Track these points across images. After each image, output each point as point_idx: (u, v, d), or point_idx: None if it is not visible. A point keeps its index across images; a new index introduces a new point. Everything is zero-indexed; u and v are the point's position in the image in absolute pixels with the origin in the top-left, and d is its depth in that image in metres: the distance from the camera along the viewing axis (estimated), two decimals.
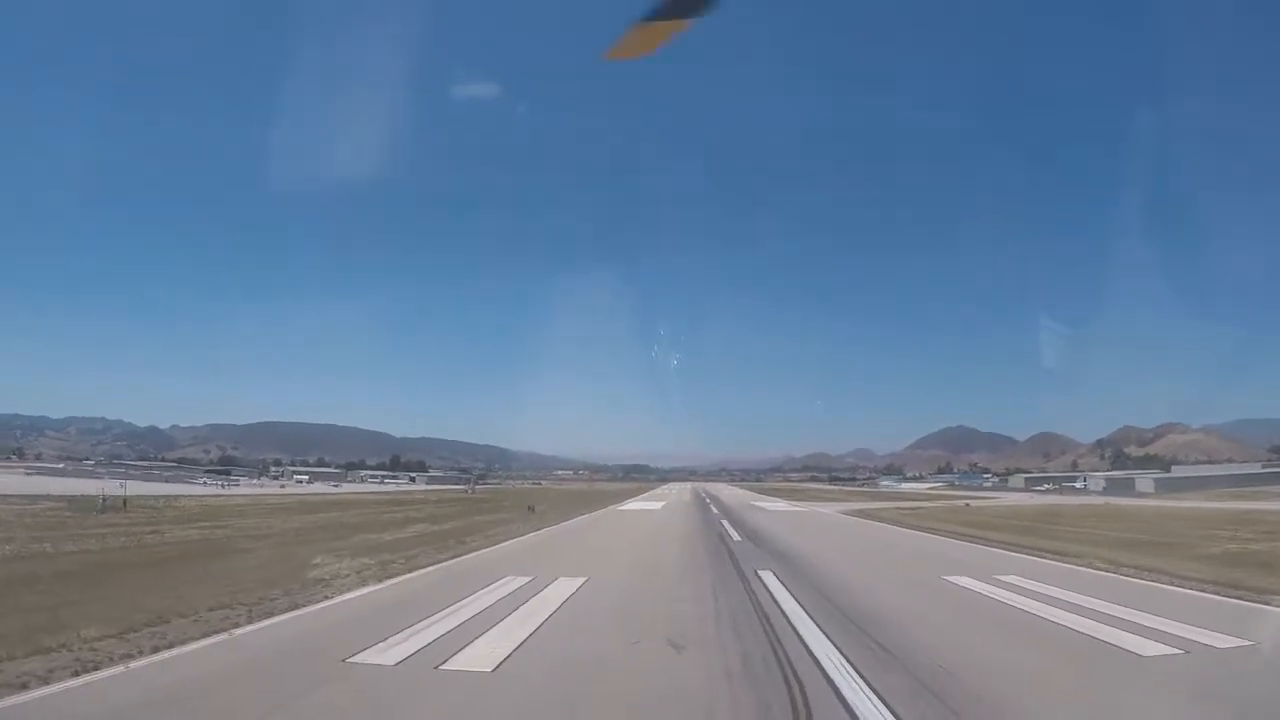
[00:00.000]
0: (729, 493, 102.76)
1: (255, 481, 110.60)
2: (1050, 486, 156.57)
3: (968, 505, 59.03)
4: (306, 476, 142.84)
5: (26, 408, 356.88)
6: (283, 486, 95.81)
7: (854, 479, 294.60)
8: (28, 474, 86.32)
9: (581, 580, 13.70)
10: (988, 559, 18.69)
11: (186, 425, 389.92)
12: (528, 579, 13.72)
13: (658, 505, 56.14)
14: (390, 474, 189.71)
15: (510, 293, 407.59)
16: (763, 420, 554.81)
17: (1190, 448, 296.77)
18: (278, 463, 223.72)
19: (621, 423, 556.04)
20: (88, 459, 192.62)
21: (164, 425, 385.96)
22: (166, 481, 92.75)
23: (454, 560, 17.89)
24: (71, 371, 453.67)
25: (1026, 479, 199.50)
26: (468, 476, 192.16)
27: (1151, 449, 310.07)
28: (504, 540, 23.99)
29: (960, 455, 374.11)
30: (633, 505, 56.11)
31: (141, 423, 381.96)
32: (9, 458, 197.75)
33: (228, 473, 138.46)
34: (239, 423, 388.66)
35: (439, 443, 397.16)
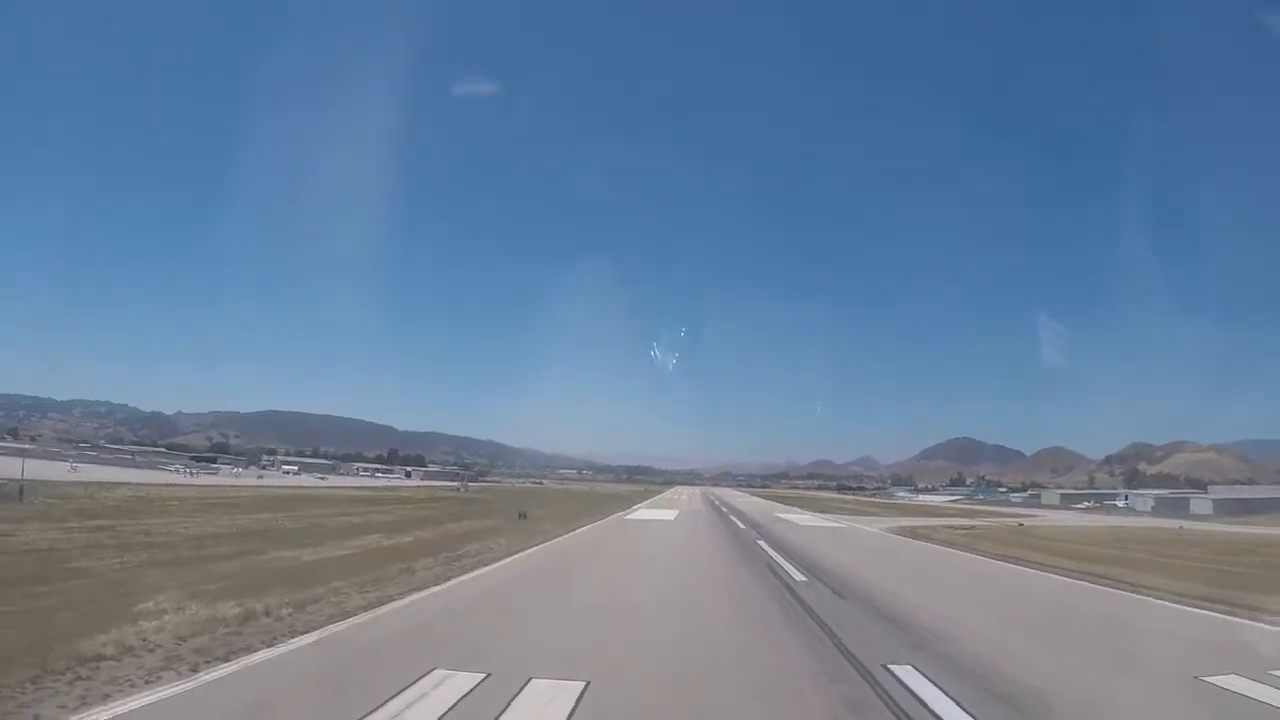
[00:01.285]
0: (743, 501, 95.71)
1: (237, 471, 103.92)
2: (1091, 504, 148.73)
3: (1021, 526, 52.64)
4: (295, 468, 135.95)
5: (31, 389, 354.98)
6: (260, 477, 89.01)
7: (862, 488, 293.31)
8: None
9: (573, 693, 6.72)
10: (1206, 629, 12.10)
11: (191, 412, 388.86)
12: (472, 684, 6.87)
13: (670, 514, 49.00)
14: (386, 467, 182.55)
15: (517, 291, 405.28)
16: (766, 426, 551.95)
17: (1202, 466, 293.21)
18: (272, 452, 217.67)
19: (625, 424, 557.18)
20: (84, 441, 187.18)
21: (169, 411, 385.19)
22: (136, 468, 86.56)
23: (368, 616, 10.73)
24: (79, 355, 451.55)
25: (1062, 495, 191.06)
26: (465, 473, 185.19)
27: (1162, 467, 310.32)
28: (471, 569, 16.93)
29: (966, 467, 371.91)
30: (642, 514, 48.95)
31: (146, 408, 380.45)
32: (2, 437, 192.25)
33: (214, 460, 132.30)
34: (244, 411, 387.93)
35: (443, 437, 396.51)
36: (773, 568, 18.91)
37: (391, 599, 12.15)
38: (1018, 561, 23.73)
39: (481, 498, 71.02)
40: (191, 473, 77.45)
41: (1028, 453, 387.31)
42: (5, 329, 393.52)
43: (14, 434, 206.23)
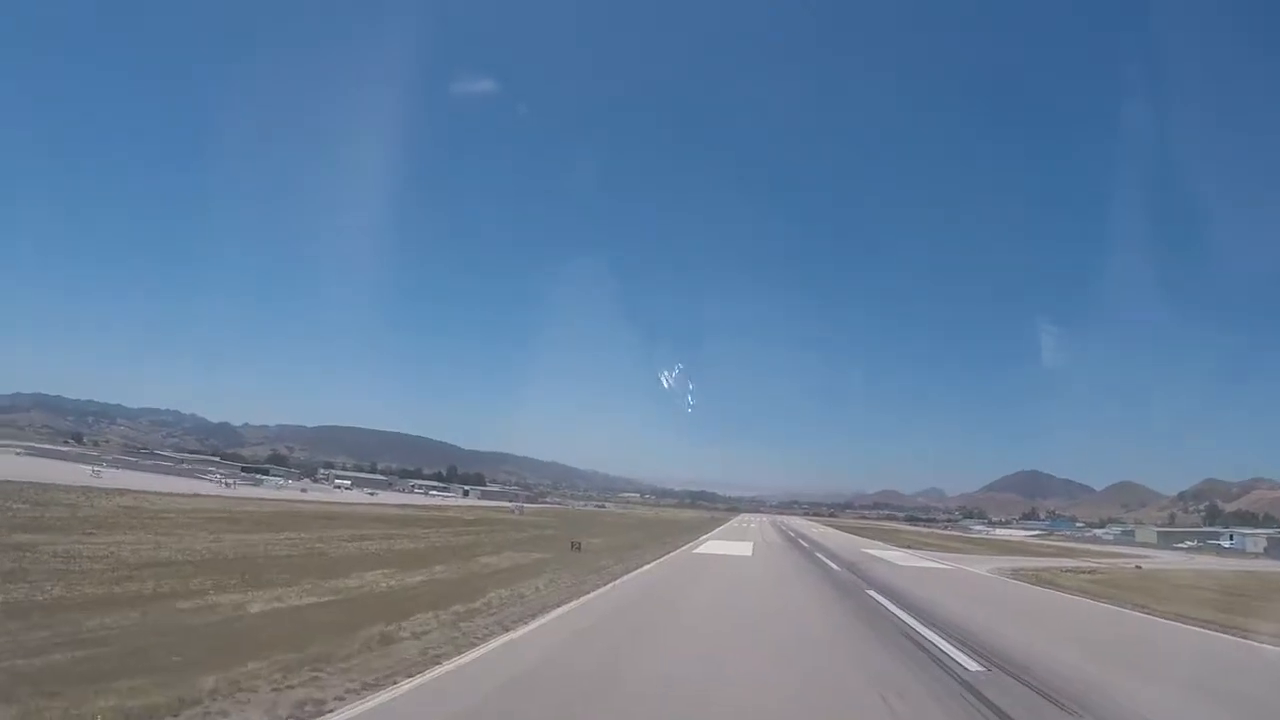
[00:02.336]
0: (818, 532, 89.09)
1: (282, 483, 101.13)
2: (1196, 544, 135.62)
3: (1139, 569, 46.75)
4: (348, 482, 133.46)
5: (103, 395, 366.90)
6: (304, 490, 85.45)
7: (932, 520, 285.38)
8: (18, 454, 78.71)
9: None
10: None
11: (258, 424, 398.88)
12: None
13: (744, 548, 42.72)
14: (442, 485, 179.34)
15: (588, 316, 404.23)
16: (833, 454, 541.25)
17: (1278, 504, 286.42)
18: (329, 465, 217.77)
19: (689, 448, 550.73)
20: (144, 448, 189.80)
21: (236, 422, 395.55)
22: (175, 475, 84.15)
23: None
24: (152, 365, 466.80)
25: (1160, 533, 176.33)
26: (523, 494, 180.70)
27: (1239, 504, 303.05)
28: (481, 638, 11.06)
29: (1034, 501, 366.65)
30: (713, 546, 42.70)
31: (214, 419, 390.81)
32: (66, 441, 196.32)
33: (265, 471, 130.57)
34: (309, 425, 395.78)
35: (507, 458, 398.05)
36: (915, 640, 12.49)
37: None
38: (1203, 624, 17.39)
39: (535, 522, 65.40)
40: (229, 483, 74.21)
41: (1097, 487, 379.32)
42: (80, 337, 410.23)
43: (78, 439, 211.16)
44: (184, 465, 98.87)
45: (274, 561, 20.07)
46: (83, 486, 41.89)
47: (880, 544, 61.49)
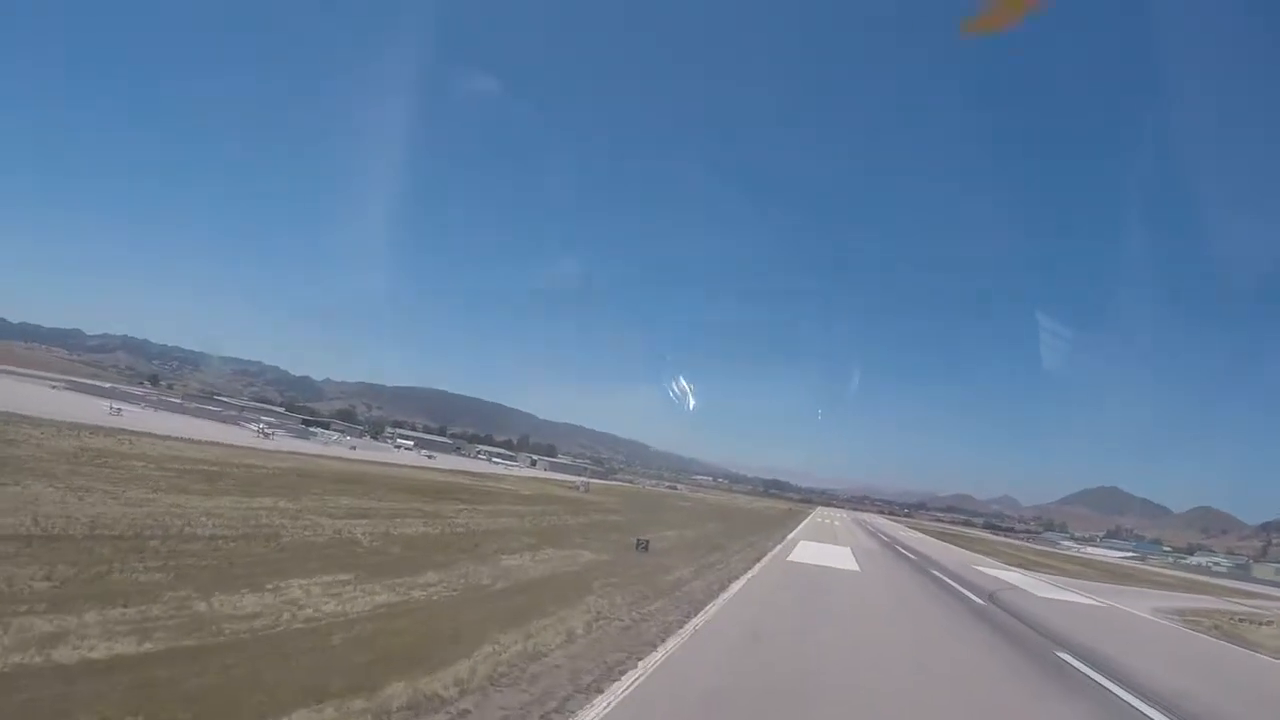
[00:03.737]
0: (912, 538, 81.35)
1: (335, 438, 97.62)
2: None
3: None
4: (410, 443, 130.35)
5: (190, 342, 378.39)
6: (354, 449, 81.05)
7: (1011, 529, 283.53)
8: (54, 387, 76.77)
9: None
10: None
11: (339, 380, 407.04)
12: None
13: (845, 558, 35.82)
14: (510, 454, 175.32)
15: (670, 294, 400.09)
16: (906, 454, 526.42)
17: None
18: (399, 425, 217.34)
19: (764, 435, 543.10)
20: (216, 394, 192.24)
21: (317, 377, 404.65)
22: (219, 422, 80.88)
23: None
24: (240, 316, 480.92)
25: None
26: (594, 468, 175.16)
27: None
28: None
29: (1109, 517, 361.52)
30: (809, 553, 35.27)
31: (297, 372, 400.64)
32: (141, 383, 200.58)
33: (326, 426, 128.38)
34: (390, 385, 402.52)
35: (582, 431, 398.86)
36: None
37: None
38: None
39: (598, 503, 58.57)
40: (267, 434, 70.04)
41: (1175, 509, 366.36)
42: (171, 284, 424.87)
43: (154, 381, 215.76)
44: (232, 413, 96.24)
45: (174, 543, 13.40)
46: (75, 423, 36.96)
47: (992, 560, 56.39)
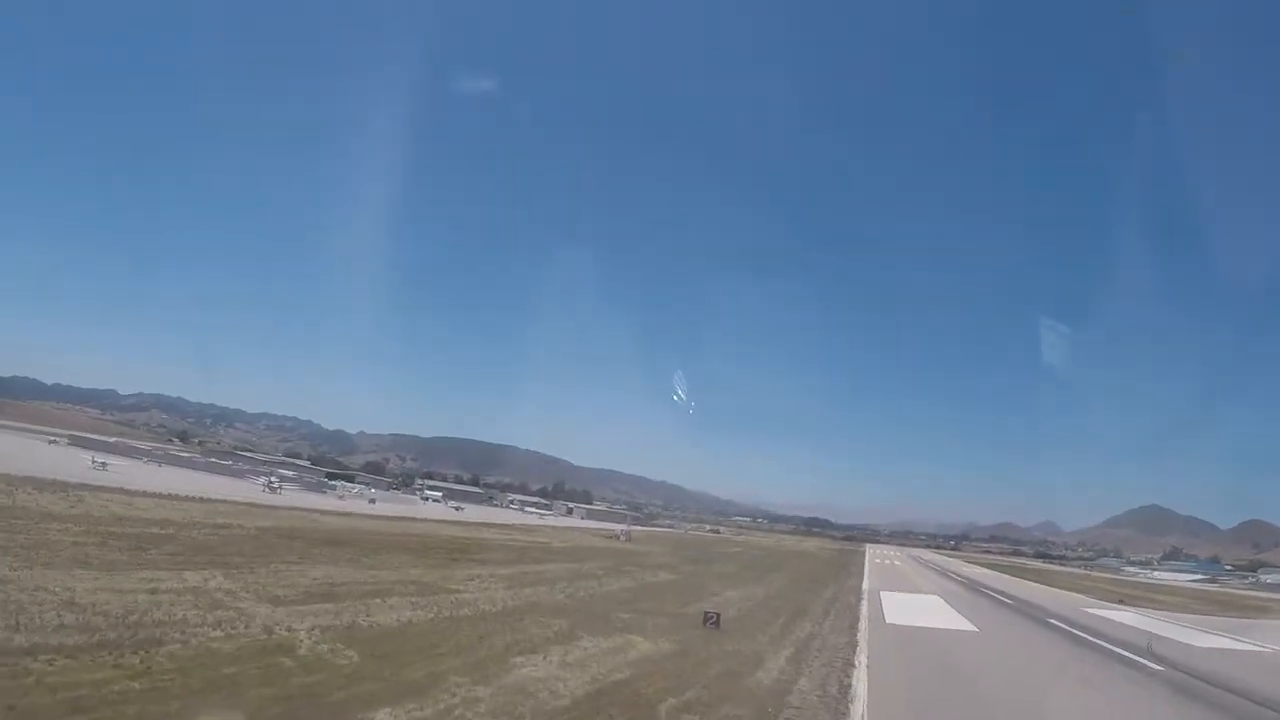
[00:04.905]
0: (988, 577, 77.65)
1: (356, 490, 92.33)
2: None
3: None
4: (438, 494, 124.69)
5: (225, 400, 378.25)
6: (371, 501, 75.30)
7: (1064, 557, 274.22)
8: (51, 442, 72.91)
9: None
10: None
11: (373, 432, 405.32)
12: None
13: (943, 610, 32.88)
14: (545, 502, 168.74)
15: (701, 334, 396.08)
16: (944, 484, 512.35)
17: None
18: (429, 475, 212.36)
19: (800, 472, 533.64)
20: (247, 451, 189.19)
21: (351, 430, 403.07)
22: (227, 476, 76.11)
23: None
24: (273, 373, 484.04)
25: None
26: (631, 515, 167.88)
27: None
28: None
29: (1153, 537, 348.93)
30: (901, 609, 31.37)
31: (330, 425, 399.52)
32: (170, 440, 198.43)
33: (351, 479, 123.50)
34: (423, 435, 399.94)
35: (616, 475, 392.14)
36: None
37: None
38: None
39: (643, 554, 52.04)
40: (273, 488, 64.67)
41: (1222, 525, 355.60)
42: (204, 342, 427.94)
43: (184, 438, 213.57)
44: (245, 467, 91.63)
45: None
46: (30, 477, 32.17)
47: (1088, 598, 53.11)
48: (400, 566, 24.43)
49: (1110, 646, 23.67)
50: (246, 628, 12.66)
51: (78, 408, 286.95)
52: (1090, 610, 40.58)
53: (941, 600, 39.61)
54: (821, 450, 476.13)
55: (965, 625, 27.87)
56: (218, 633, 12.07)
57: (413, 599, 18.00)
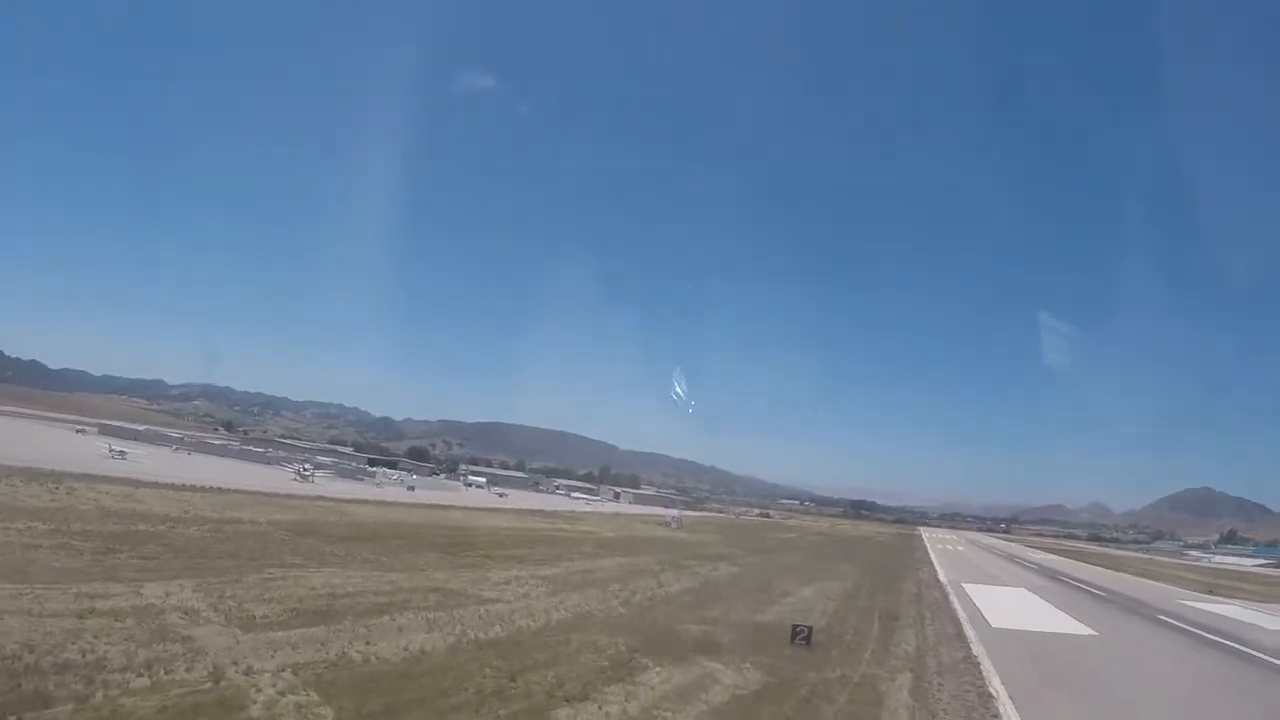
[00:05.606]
0: (1055, 563, 76.24)
1: (396, 477, 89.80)
2: None
3: None
4: (482, 480, 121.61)
5: (271, 388, 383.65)
6: (410, 489, 72.36)
7: (1117, 540, 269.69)
8: (81, 431, 71.86)
9: None
10: None
11: (420, 419, 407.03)
12: None
13: (1043, 608, 31.00)
14: (591, 487, 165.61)
15: (750, 315, 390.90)
16: (992, 464, 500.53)
17: None
18: (473, 462, 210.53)
19: (845, 455, 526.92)
20: (293, 439, 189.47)
21: (398, 417, 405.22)
22: (262, 464, 74.04)
23: None
24: (321, 361, 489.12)
25: None
26: (681, 498, 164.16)
27: None
28: None
29: (1203, 520, 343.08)
30: (998, 607, 28.94)
31: (377, 413, 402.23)
32: (216, 429, 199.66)
33: (394, 465, 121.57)
34: (469, 421, 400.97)
35: (663, 459, 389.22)
36: None
37: None
38: None
39: (700, 543, 48.40)
40: (305, 476, 62.05)
41: (1274, 508, 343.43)
42: (252, 331, 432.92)
43: (229, 427, 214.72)
44: (282, 455, 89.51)
45: None
46: (29, 468, 29.43)
47: (1177, 589, 50.51)
48: (425, 568, 20.99)
49: (1263, 656, 20.80)
50: (188, 671, 9.22)
51: (124, 398, 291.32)
52: (1191, 604, 38.16)
53: (1030, 594, 37.50)
54: (866, 433, 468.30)
55: (1078, 627, 25.20)
56: (141, 681, 8.64)
57: (431, 614, 14.47)
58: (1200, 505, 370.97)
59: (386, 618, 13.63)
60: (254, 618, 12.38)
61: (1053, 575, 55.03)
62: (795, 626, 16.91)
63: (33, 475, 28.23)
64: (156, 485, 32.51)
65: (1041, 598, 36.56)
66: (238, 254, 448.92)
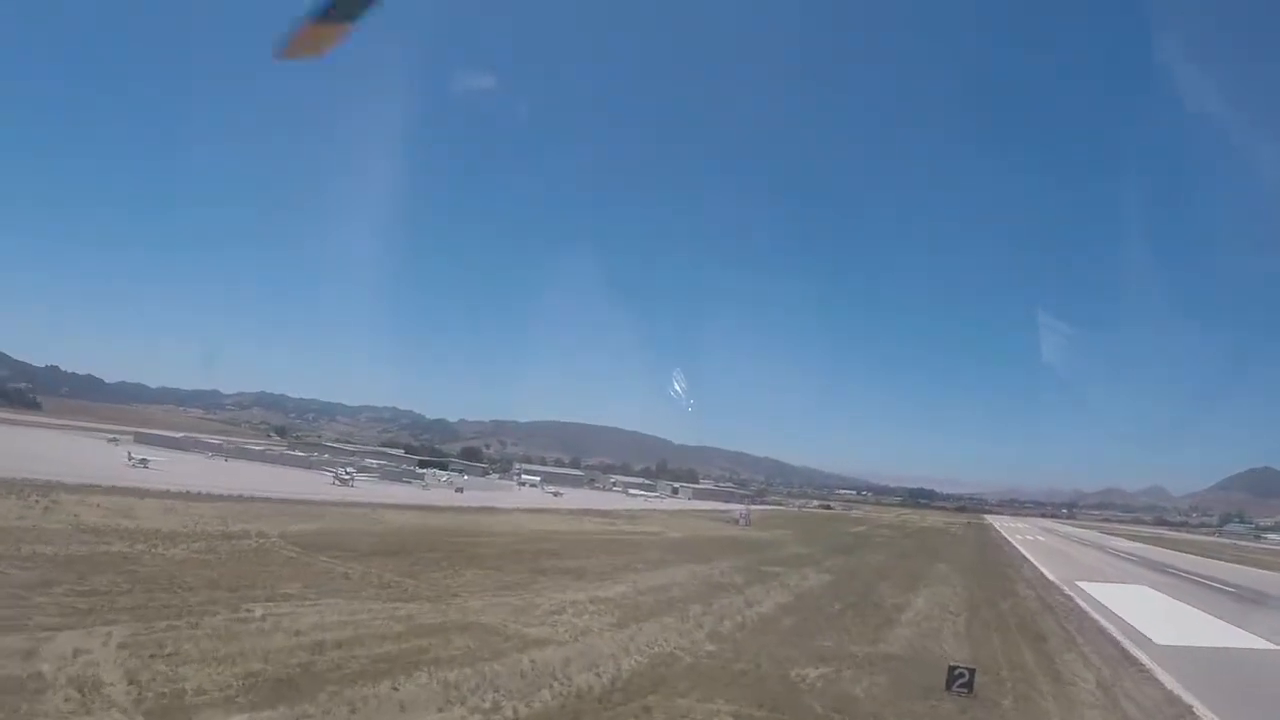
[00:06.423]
0: (1145, 552, 73.70)
1: (445, 478, 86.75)
2: None
3: None
4: (536, 478, 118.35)
5: (327, 394, 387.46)
6: (458, 490, 68.90)
7: (1186, 523, 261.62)
8: (113, 441, 70.44)
9: None
10: None
11: (474, 419, 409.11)
12: None
13: (1183, 611, 29.31)
14: (649, 483, 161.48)
15: (802, 306, 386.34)
16: (1049, 447, 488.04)
17: None
18: (527, 460, 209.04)
19: (902, 443, 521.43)
20: (343, 443, 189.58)
21: (452, 419, 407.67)
22: (303, 469, 71.59)
23: None
24: (374, 365, 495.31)
25: None
26: (741, 492, 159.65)
27: None
28: None
29: (1264, 500, 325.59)
30: (1145, 615, 26.17)
31: (431, 415, 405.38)
32: (269, 435, 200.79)
33: (445, 466, 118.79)
34: (523, 420, 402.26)
35: (718, 452, 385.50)
36: None
37: None
38: None
39: (774, 541, 44.18)
40: (345, 480, 59.02)
41: None
42: (305, 338, 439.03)
43: (281, 433, 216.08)
44: (325, 458, 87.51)
45: None
46: (26, 480, 26.48)
47: None
48: (458, 592, 17.01)
49: None
50: None
51: (181, 409, 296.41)
52: None
53: (1157, 593, 35.29)
54: (921, 420, 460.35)
55: (1251, 640, 22.41)
56: None
57: (453, 673, 10.41)
58: (1263, 485, 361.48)
59: (386, 684, 9.57)
60: (182, 694, 8.47)
61: (1159, 567, 52.49)
62: (953, 668, 12.57)
63: (19, 487, 25.15)
64: (166, 495, 29.29)
65: (1173, 597, 34.01)
66: (284, 264, 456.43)
